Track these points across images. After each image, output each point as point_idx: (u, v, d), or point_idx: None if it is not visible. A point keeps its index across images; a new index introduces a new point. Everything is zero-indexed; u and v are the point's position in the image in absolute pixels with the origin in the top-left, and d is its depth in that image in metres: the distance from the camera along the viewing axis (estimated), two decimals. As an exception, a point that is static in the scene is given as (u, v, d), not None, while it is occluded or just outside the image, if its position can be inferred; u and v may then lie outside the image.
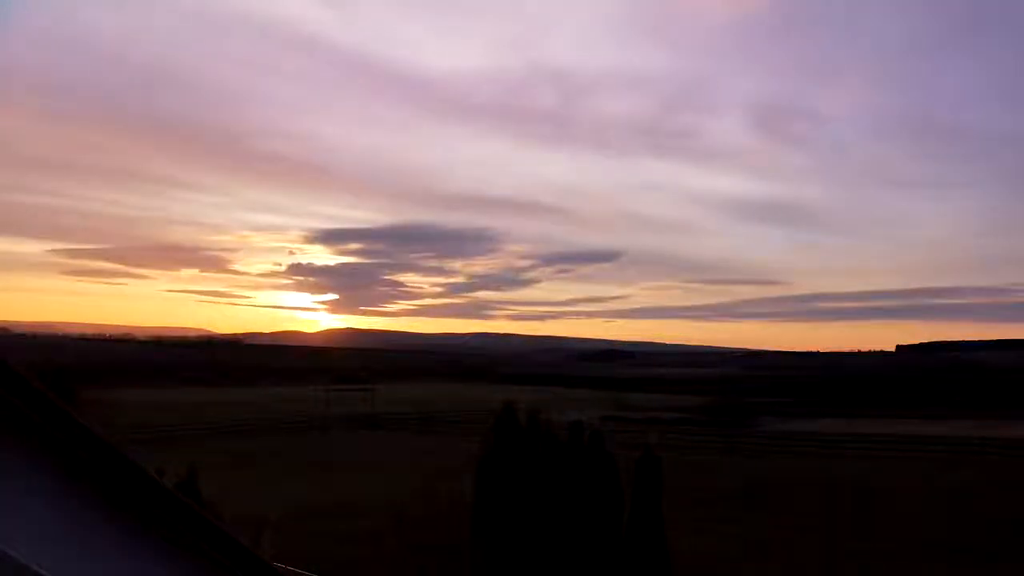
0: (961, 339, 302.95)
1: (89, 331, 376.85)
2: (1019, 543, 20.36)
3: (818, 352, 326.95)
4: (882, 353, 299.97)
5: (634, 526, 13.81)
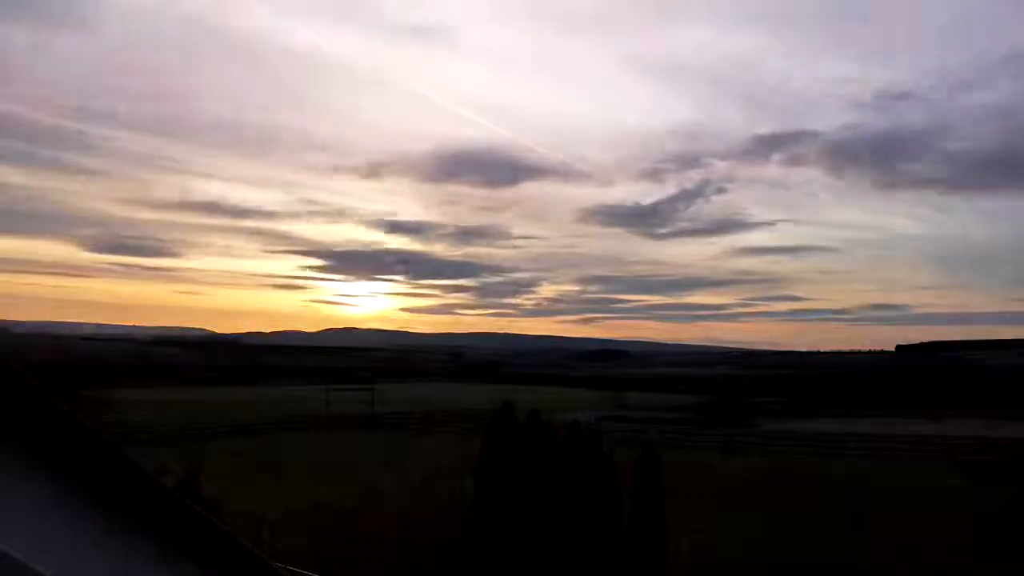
0: (961, 339, 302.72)
1: (89, 331, 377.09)
2: (1017, 542, 20.40)
3: (818, 352, 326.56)
4: (882, 353, 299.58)
5: (634, 526, 13.83)
